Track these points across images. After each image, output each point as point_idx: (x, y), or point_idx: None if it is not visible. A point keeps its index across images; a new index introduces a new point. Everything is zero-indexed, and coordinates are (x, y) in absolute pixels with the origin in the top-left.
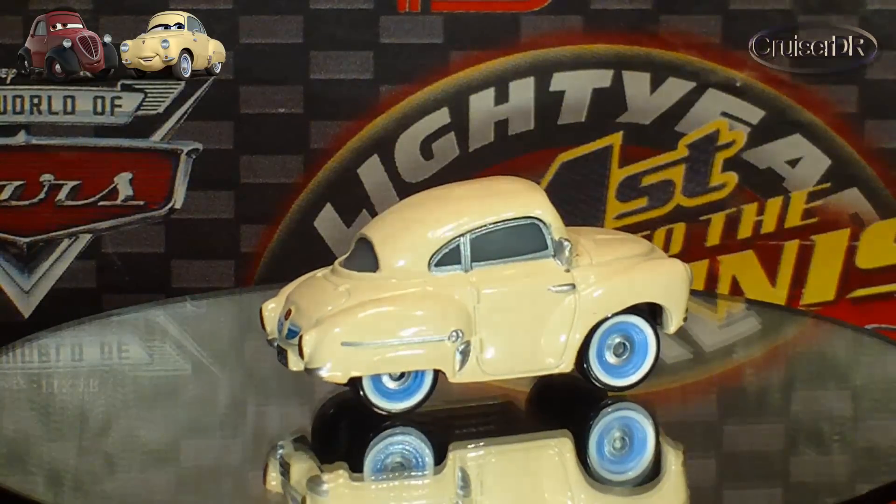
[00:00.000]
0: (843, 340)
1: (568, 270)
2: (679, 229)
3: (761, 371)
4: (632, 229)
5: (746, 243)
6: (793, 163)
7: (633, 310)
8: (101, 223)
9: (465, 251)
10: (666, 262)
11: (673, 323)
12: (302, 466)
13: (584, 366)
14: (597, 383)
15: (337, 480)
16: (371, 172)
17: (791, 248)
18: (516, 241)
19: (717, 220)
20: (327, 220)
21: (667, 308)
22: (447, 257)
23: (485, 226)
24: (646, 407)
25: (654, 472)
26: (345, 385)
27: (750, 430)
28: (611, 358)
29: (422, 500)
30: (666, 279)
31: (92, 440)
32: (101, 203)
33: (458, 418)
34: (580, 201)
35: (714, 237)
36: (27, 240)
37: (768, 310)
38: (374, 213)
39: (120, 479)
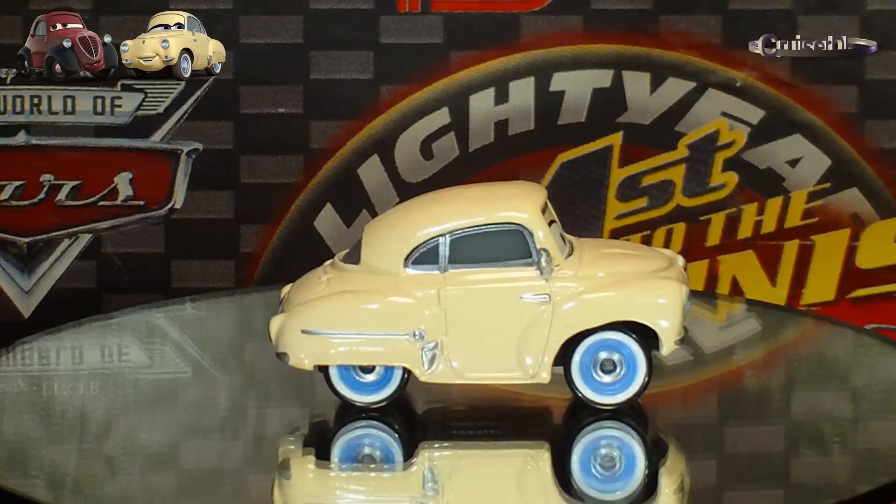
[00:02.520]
0: (843, 341)
1: (546, 281)
2: (679, 229)
3: (762, 372)
4: (632, 229)
5: (746, 243)
6: (793, 163)
7: (626, 327)
8: (101, 223)
9: (444, 252)
10: (658, 282)
11: (664, 344)
12: (285, 456)
13: (569, 380)
14: (582, 399)
15: (304, 467)
16: (371, 172)
17: (791, 248)
18: (498, 247)
19: (717, 220)
20: (327, 220)
21: (653, 328)
22: (425, 256)
23: (465, 228)
24: (636, 420)
25: (638, 497)
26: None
27: (750, 431)
28: (599, 374)
29: (377, 491)
30: (653, 299)
31: (92, 443)
32: (101, 203)
33: (443, 420)
34: (580, 201)
35: (714, 237)
36: (27, 240)
37: (768, 310)
38: (374, 213)
39: (120, 482)
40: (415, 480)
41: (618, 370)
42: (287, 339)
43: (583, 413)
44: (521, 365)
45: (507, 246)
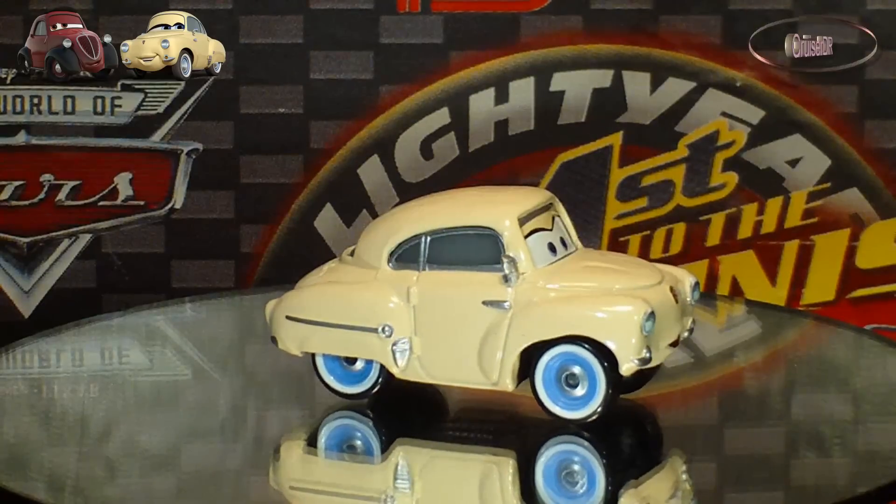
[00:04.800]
0: (843, 343)
1: (510, 289)
2: (679, 229)
3: (762, 374)
4: (632, 229)
5: (746, 243)
6: (793, 163)
7: (590, 343)
8: (101, 223)
9: (424, 251)
10: (614, 299)
11: (621, 363)
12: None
13: (534, 391)
14: (545, 411)
15: (292, 451)
16: (371, 172)
17: (791, 248)
18: (473, 251)
19: (717, 220)
20: (327, 220)
21: (609, 346)
22: (407, 255)
23: (444, 229)
24: (596, 438)
25: None
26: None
27: (750, 432)
28: (565, 388)
29: (351, 480)
30: (604, 315)
31: (92, 445)
32: (101, 203)
33: (428, 419)
34: (580, 201)
35: (714, 237)
36: (27, 240)
37: (768, 312)
38: (374, 214)
39: (120, 484)
40: (387, 474)
41: (581, 384)
42: (276, 324)
43: (562, 424)
44: (484, 371)
45: (481, 250)
